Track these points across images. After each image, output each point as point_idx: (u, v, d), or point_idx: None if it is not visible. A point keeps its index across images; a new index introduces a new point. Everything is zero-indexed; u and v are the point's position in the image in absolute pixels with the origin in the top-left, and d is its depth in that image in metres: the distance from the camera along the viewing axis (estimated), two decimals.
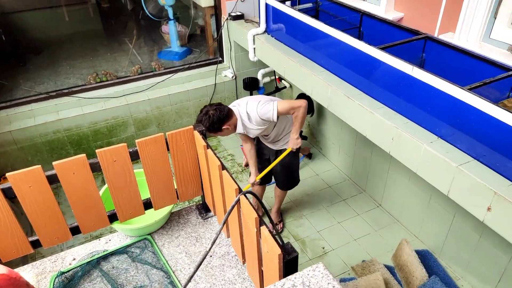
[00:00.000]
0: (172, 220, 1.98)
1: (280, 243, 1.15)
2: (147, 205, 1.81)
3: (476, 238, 2.49)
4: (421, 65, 2.40)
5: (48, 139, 3.60)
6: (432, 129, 2.01)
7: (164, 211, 1.88)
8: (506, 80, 1.92)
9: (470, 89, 1.80)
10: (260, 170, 2.88)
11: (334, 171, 3.78)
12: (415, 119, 2.09)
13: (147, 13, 4.25)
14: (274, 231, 1.17)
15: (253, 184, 2.85)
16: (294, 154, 2.81)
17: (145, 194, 1.82)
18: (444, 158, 1.85)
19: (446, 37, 2.32)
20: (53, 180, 1.54)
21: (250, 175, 2.87)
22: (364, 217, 3.28)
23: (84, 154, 1.56)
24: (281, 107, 2.40)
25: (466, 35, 2.24)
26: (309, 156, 3.94)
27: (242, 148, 3.83)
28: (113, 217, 1.78)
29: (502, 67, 1.97)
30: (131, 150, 1.63)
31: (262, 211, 3.28)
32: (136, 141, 1.61)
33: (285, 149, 2.69)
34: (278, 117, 2.45)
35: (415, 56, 2.39)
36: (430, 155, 1.92)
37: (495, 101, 1.89)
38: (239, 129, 2.46)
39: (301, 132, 2.85)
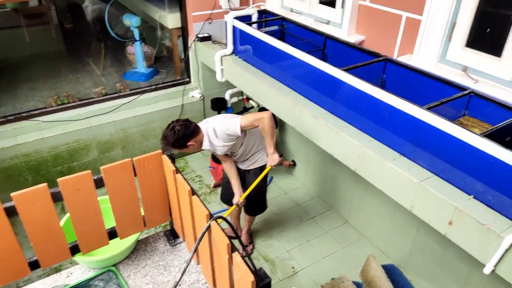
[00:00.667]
0: (138, 249, 1.91)
1: (253, 268, 1.13)
2: (112, 234, 1.74)
3: (439, 251, 2.58)
4: (382, 86, 2.50)
5: (4, 165, 3.41)
6: (394, 147, 2.08)
7: (130, 240, 1.81)
8: (462, 99, 2.04)
9: (429, 109, 1.89)
10: (223, 190, 2.88)
11: (302, 189, 3.81)
12: (379, 138, 2.16)
13: (112, 34, 4.19)
14: (245, 254, 1.15)
15: (237, 205, 2.75)
16: (262, 178, 2.68)
17: (110, 222, 1.75)
18: (406, 175, 1.92)
19: (404, 59, 2.44)
20: (11, 212, 1.45)
21: (233, 196, 2.78)
22: (332, 234, 3.31)
23: (46, 184, 1.48)
24: (244, 121, 2.35)
25: (424, 57, 2.36)
26: (294, 163, 3.97)
27: (210, 170, 3.80)
28: (75, 249, 1.69)
29: (458, 87, 2.09)
30: (96, 178, 1.57)
31: (239, 230, 3.26)
32: (101, 168, 1.55)
33: (252, 169, 2.66)
34: (244, 132, 2.42)
35: (376, 77, 2.49)
36: (393, 172, 1.98)
37: (452, 119, 2.00)
38: (205, 145, 2.45)
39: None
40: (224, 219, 1.32)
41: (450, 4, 2.16)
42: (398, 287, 2.68)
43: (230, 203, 2.93)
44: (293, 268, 3.02)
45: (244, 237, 3.14)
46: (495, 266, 1.57)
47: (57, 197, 1.53)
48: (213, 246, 1.34)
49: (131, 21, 4.08)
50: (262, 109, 3.65)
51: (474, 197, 1.72)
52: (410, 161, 2.00)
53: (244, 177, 2.82)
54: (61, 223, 1.84)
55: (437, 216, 1.81)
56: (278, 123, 3.89)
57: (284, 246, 3.19)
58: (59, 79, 4.44)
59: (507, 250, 1.51)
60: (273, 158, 2.46)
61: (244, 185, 2.78)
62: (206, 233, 1.33)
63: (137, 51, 4.32)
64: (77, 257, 1.73)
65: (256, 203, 2.87)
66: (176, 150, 2.40)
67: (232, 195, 2.79)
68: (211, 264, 1.40)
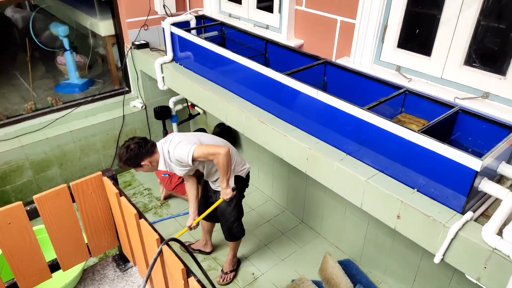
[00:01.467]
0: (85, 278, 1.77)
1: None
2: (54, 267, 1.60)
3: (390, 242, 2.70)
4: (324, 88, 2.56)
5: None
6: (341, 147, 2.13)
7: (74, 271, 1.67)
8: (398, 98, 2.14)
9: (369, 109, 1.95)
10: (202, 208, 2.71)
11: (256, 194, 3.80)
12: (325, 139, 2.20)
13: (38, 43, 3.88)
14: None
15: (190, 228, 2.66)
16: (227, 203, 2.57)
17: (50, 253, 1.60)
18: (354, 174, 1.97)
19: (342, 61, 2.52)
20: None
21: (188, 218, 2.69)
22: (289, 235, 3.34)
23: None
24: (197, 152, 2.22)
25: (360, 59, 2.45)
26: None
27: (163, 177, 3.62)
28: (13, 287, 1.53)
29: (393, 86, 2.19)
30: (28, 209, 1.42)
31: (209, 245, 3.13)
32: (34, 197, 1.41)
33: (219, 191, 2.52)
34: (197, 161, 2.31)
35: (318, 79, 2.55)
36: (342, 172, 2.03)
37: (391, 117, 2.10)
38: (161, 166, 2.34)
39: (241, 179, 2.57)
40: (176, 240, 1.26)
41: (380, 8, 2.26)
42: (355, 281, 2.76)
43: (212, 220, 2.86)
44: (253, 274, 2.99)
45: (226, 264, 2.94)
46: (444, 255, 1.65)
47: None
48: (166, 270, 1.27)
49: (58, 30, 3.81)
50: (219, 125, 3.58)
51: (418, 190, 1.81)
52: (356, 160, 2.05)
53: (211, 196, 2.71)
54: None
55: (385, 211, 1.88)
56: (237, 137, 3.83)
57: (242, 253, 3.16)
58: None
59: (453, 239, 1.60)
60: (225, 192, 2.43)
61: (209, 205, 2.68)
62: (159, 258, 1.25)
63: (68, 61, 4.05)
64: None
65: (227, 227, 2.72)
66: (131, 168, 2.31)
67: (212, 213, 2.68)
68: None
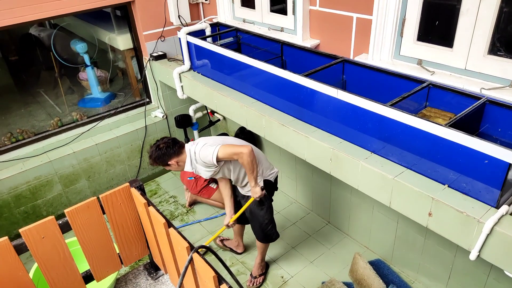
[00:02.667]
0: None
1: None
2: (88, 278, 1.63)
3: (421, 240, 2.63)
4: (343, 87, 2.53)
5: None
6: (365, 146, 2.10)
7: (108, 281, 1.70)
8: (421, 92, 2.09)
9: (392, 105, 1.92)
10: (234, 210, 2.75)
11: (280, 196, 3.78)
12: (348, 138, 2.17)
13: (61, 61, 4.00)
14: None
15: (227, 226, 2.70)
16: (260, 205, 2.59)
17: (83, 265, 1.64)
18: (380, 172, 1.93)
19: (361, 58, 2.48)
20: None
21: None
22: (316, 237, 3.30)
23: (6, 237, 1.36)
24: (221, 152, 2.27)
25: (379, 55, 2.41)
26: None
27: (189, 181, 3.62)
28: None
29: (416, 80, 2.14)
30: (60, 222, 1.46)
31: (241, 246, 3.16)
32: (66, 211, 1.45)
33: (249, 196, 2.56)
34: (222, 161, 2.34)
35: (337, 78, 2.52)
36: (368, 171, 1.99)
37: (415, 112, 2.05)
38: (187, 167, 2.43)
39: (270, 183, 2.58)
40: (206, 247, 1.26)
41: (397, 1, 2.22)
42: (387, 281, 2.70)
43: (243, 222, 2.89)
44: (282, 277, 2.97)
45: (255, 268, 2.94)
46: (479, 251, 1.60)
47: (21, 249, 1.41)
48: (198, 278, 1.27)
49: (77, 47, 3.92)
50: (241, 129, 3.59)
51: (449, 186, 1.76)
52: (382, 157, 2.02)
53: (240, 201, 2.74)
54: (30, 274, 1.72)
55: (416, 208, 1.83)
56: (257, 141, 3.84)
57: (270, 256, 3.14)
58: (10, 115, 4.19)
59: (488, 235, 1.54)
60: (255, 191, 2.44)
61: (239, 209, 2.70)
62: (190, 266, 1.26)
63: (89, 76, 4.16)
64: None
65: (258, 229, 2.73)
66: (160, 166, 2.44)
67: (243, 215, 2.73)
68: None
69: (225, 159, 2.34)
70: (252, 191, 2.44)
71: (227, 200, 2.70)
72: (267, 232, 2.73)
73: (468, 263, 2.40)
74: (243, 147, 2.28)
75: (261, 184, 2.50)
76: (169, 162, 2.39)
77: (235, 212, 2.71)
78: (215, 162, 2.29)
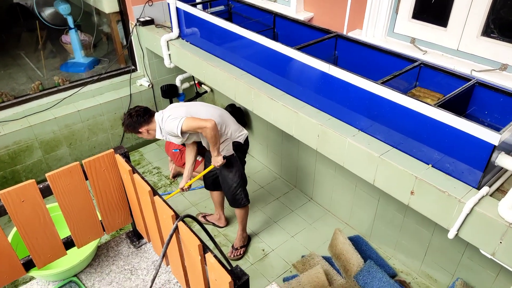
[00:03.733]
0: (100, 255, 1.79)
1: (228, 267, 1.08)
2: (69, 244, 1.61)
3: (400, 218, 2.69)
4: (335, 62, 2.50)
5: None
6: (353, 123, 2.10)
7: (89, 248, 1.68)
8: (412, 71, 2.08)
9: (383, 83, 1.90)
10: (205, 177, 2.88)
11: (264, 171, 3.80)
12: (337, 115, 2.16)
13: (44, 21, 3.82)
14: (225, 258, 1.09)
15: (182, 189, 2.77)
16: (229, 168, 2.66)
17: (65, 231, 1.62)
18: (366, 150, 1.94)
19: (354, 34, 2.45)
20: None
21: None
22: (298, 213, 3.35)
23: None
24: (185, 126, 2.36)
25: (372, 31, 2.38)
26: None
27: (174, 153, 3.62)
28: (29, 264, 1.55)
29: (408, 59, 2.12)
30: (41, 186, 1.42)
31: (223, 219, 3.23)
32: (47, 175, 1.40)
33: (224, 156, 2.60)
34: (188, 133, 2.44)
35: (329, 54, 2.48)
36: (354, 148, 2.00)
37: (405, 91, 2.04)
38: (158, 135, 2.53)
39: (240, 145, 2.66)
40: (192, 216, 1.25)
41: None
42: (365, 257, 2.77)
43: (213, 188, 2.97)
44: (263, 250, 3.02)
45: (236, 240, 3.00)
46: (458, 230, 1.64)
47: (0, 212, 1.37)
48: (182, 247, 1.27)
49: (59, 9, 3.74)
50: (230, 106, 3.60)
51: (433, 166, 1.78)
52: (369, 136, 2.02)
53: (216, 173, 2.81)
54: (9, 238, 1.68)
55: (399, 187, 1.85)
56: (248, 119, 3.79)
57: (252, 230, 3.18)
58: None
59: (468, 215, 1.58)
60: (216, 160, 2.55)
61: (214, 178, 2.87)
62: (174, 234, 1.25)
63: (73, 39, 3.99)
64: (33, 272, 1.59)
65: (226, 192, 2.80)
66: (131, 133, 2.57)
67: (211, 178, 2.87)
68: (182, 266, 1.33)
69: (189, 132, 2.43)
70: (213, 159, 2.55)
71: (188, 165, 2.80)
72: (236, 196, 2.78)
73: (444, 241, 2.47)
74: (207, 122, 2.35)
75: (228, 152, 2.60)
76: (139, 130, 2.50)
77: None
78: (180, 134, 2.39)
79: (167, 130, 2.42)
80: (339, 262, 2.80)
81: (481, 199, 1.60)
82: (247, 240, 3.06)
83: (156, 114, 2.51)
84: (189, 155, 2.80)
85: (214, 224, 3.23)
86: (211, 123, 2.34)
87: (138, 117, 2.47)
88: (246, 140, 2.71)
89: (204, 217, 3.28)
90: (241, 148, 2.67)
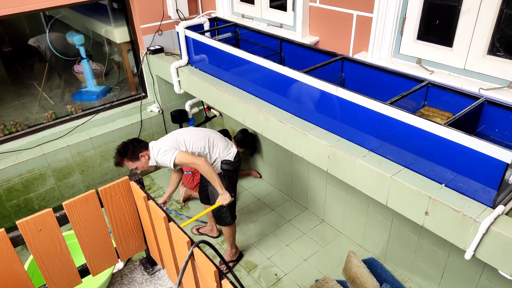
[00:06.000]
0: (114, 283, 1.78)
1: None
2: (84, 272, 1.61)
3: (415, 239, 2.65)
4: (342, 84, 2.53)
5: None
6: (363, 144, 2.10)
7: (104, 276, 1.69)
8: (420, 91, 2.10)
9: (391, 103, 1.92)
10: (201, 193, 3.02)
11: (275, 193, 3.79)
12: (346, 136, 2.17)
13: (56, 53, 3.95)
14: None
15: (161, 204, 2.86)
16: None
17: (79, 259, 1.62)
18: (378, 170, 1.94)
19: (360, 56, 2.48)
20: None
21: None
22: (310, 235, 3.31)
23: (3, 229, 1.34)
24: (178, 160, 2.47)
25: (378, 53, 2.42)
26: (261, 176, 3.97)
27: (186, 175, 3.71)
28: None
29: (415, 79, 2.15)
30: (58, 215, 1.44)
31: (215, 230, 3.30)
32: (64, 203, 1.43)
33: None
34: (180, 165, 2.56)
35: (335, 76, 2.52)
36: (365, 169, 2.00)
37: (413, 111, 2.06)
38: (152, 162, 2.64)
39: (229, 162, 2.72)
40: (208, 243, 1.26)
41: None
42: (380, 280, 2.72)
43: (206, 202, 3.04)
44: (276, 275, 2.98)
45: (225, 255, 3.03)
46: (475, 251, 1.61)
47: (17, 242, 1.39)
48: (198, 273, 1.27)
49: (73, 40, 3.87)
50: (242, 131, 3.69)
51: (446, 185, 1.77)
52: (380, 156, 2.02)
53: (207, 185, 2.87)
54: (25, 266, 1.69)
55: (412, 207, 1.84)
56: (258, 144, 3.83)
57: (264, 254, 3.15)
58: (3, 107, 4.13)
59: (484, 234, 1.56)
60: (224, 198, 2.60)
61: (205, 191, 2.97)
62: (189, 260, 1.25)
63: (85, 69, 4.11)
64: None
65: (213, 211, 2.84)
66: (126, 166, 2.68)
67: (205, 193, 2.95)
68: None
69: (183, 166, 2.58)
70: (221, 198, 2.59)
71: (171, 189, 2.94)
72: (221, 214, 2.82)
73: (461, 262, 2.42)
74: (198, 159, 2.49)
75: (218, 166, 2.68)
76: (140, 154, 2.60)
77: (203, 197, 3.01)
78: (173, 168, 2.51)
79: (160, 162, 2.56)
80: (354, 286, 2.74)
81: (497, 218, 1.58)
82: (237, 256, 3.09)
83: (150, 144, 2.65)
84: (174, 180, 2.92)
85: (207, 236, 3.31)
86: (201, 161, 2.48)
87: (137, 145, 2.61)
88: (238, 158, 2.77)
89: (197, 229, 3.37)
90: (232, 168, 2.73)
